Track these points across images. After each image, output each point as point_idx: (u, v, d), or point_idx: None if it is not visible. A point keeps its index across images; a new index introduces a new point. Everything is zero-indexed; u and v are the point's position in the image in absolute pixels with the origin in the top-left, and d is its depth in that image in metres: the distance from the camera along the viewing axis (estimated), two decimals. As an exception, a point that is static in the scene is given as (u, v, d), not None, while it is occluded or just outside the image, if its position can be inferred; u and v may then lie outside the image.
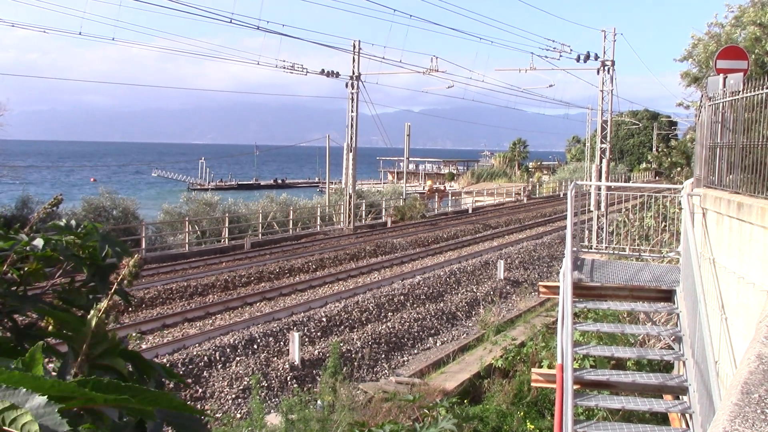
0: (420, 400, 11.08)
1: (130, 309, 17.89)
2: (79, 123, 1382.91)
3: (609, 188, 28.16)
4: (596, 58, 32.61)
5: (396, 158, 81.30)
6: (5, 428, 0.96)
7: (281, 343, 16.00)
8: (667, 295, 9.93)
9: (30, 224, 1.89)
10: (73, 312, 1.63)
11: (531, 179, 76.78)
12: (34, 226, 1.88)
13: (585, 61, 32.99)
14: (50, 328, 1.61)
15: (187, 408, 1.22)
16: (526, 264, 27.51)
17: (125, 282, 1.55)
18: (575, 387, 7.85)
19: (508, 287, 24.06)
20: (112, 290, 1.53)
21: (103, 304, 1.49)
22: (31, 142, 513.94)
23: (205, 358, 14.54)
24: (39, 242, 1.74)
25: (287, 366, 15.07)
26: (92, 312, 1.48)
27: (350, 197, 35.57)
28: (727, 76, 9.90)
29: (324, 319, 17.81)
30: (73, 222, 1.73)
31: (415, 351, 17.70)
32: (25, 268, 1.75)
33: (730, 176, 8.86)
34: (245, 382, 13.92)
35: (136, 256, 1.62)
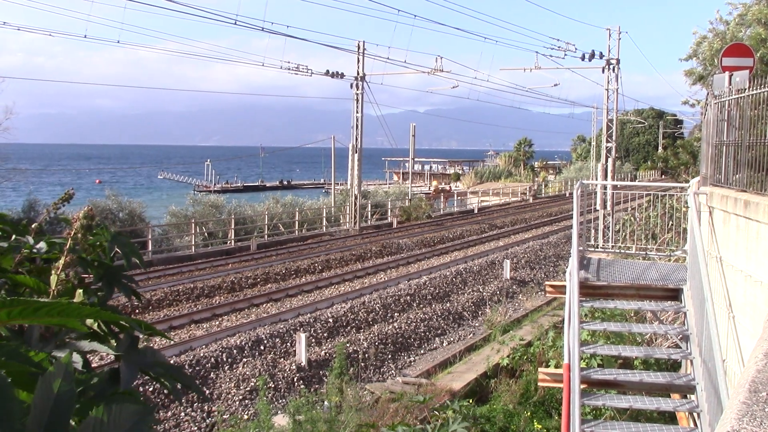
0: (429, 401, 11.08)
1: (137, 310, 17.95)
2: (85, 126, 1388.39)
3: (615, 187, 28.12)
4: (601, 56, 32.57)
5: (401, 159, 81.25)
6: None
7: (288, 344, 16.02)
8: (674, 294, 9.90)
9: (38, 221, 1.90)
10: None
11: (536, 179, 76.69)
12: (43, 224, 1.89)
13: (590, 60, 32.94)
14: None
15: (104, 315, 1.16)
16: (532, 263, 27.47)
17: (79, 236, 1.55)
18: (582, 386, 7.84)
19: (514, 287, 24.04)
20: (68, 246, 1.53)
21: (60, 262, 1.49)
22: (38, 145, 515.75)
23: (212, 359, 14.57)
24: (42, 245, 1.75)
25: (294, 367, 15.08)
26: (52, 271, 1.48)
27: (356, 198, 35.58)
28: (732, 74, 9.87)
29: (330, 320, 17.82)
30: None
31: (422, 351, 17.70)
32: (32, 267, 1.76)
33: (737, 174, 8.83)
34: (252, 383, 13.94)
35: (86, 207, 1.62)
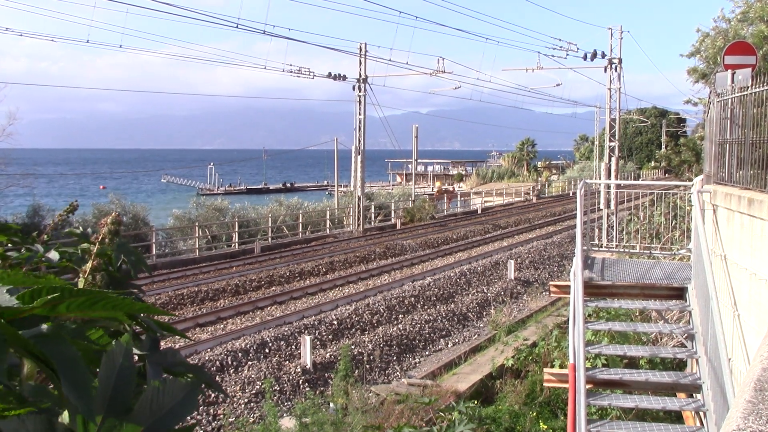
0: (435, 402, 11.07)
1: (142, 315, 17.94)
2: (89, 131, 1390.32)
3: (618, 186, 28.09)
4: (603, 56, 32.52)
5: (404, 160, 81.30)
6: None
7: (293, 346, 16.02)
8: (679, 293, 9.89)
9: (45, 232, 1.91)
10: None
11: (539, 179, 76.63)
12: (49, 234, 1.91)
13: (592, 60, 32.90)
14: None
15: (151, 310, 1.24)
16: (536, 264, 27.44)
17: (106, 240, 1.58)
18: (588, 386, 7.83)
19: (518, 287, 24.00)
20: (95, 250, 1.55)
21: (88, 265, 1.52)
22: (41, 150, 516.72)
23: (217, 362, 14.58)
24: (54, 255, 1.77)
25: (299, 369, 15.09)
26: (80, 274, 1.51)
27: (359, 200, 35.60)
28: (735, 72, 9.86)
29: (335, 322, 17.82)
30: (89, 230, 1.77)
31: (427, 353, 17.68)
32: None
33: (740, 172, 8.82)
34: (257, 387, 13.94)
35: (113, 213, 1.65)
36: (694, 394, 8.91)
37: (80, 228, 1.95)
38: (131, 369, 1.06)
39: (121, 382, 1.03)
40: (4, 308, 1.02)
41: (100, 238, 1.59)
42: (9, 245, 1.86)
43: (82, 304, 1.06)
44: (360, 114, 35.30)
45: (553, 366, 13.34)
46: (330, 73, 35.50)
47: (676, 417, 10.58)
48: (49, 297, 1.04)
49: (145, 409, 1.02)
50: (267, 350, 15.63)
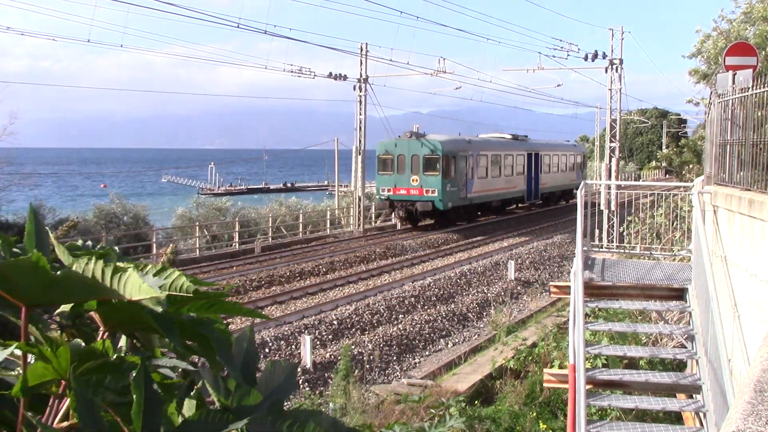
0: (426, 400, 11.07)
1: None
2: (90, 130, 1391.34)
3: (619, 187, 28.09)
4: (604, 56, 32.52)
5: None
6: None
7: (293, 346, 16.02)
8: (679, 294, 9.89)
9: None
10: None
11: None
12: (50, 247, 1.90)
13: (593, 60, 32.91)
14: None
15: (255, 314, 1.44)
16: (536, 264, 27.43)
17: None
18: (588, 387, 7.83)
19: (518, 288, 23.99)
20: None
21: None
22: (42, 149, 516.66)
23: (217, 362, 14.57)
24: None
25: (299, 369, 15.09)
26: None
27: (359, 200, 35.58)
28: (736, 73, 9.86)
29: (335, 322, 17.82)
30: (89, 243, 1.78)
31: (427, 353, 17.68)
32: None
33: (741, 173, 8.82)
34: (257, 386, 13.93)
35: (171, 245, 1.70)
36: (693, 395, 8.90)
37: (88, 241, 1.94)
38: (254, 352, 1.38)
39: (248, 360, 1.35)
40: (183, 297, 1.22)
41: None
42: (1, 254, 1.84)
43: (202, 306, 1.25)
44: (361, 114, 35.30)
45: (552, 366, 13.33)
46: (331, 73, 35.49)
47: (675, 418, 10.57)
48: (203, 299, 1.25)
49: (263, 384, 1.35)
50: (267, 350, 15.63)
